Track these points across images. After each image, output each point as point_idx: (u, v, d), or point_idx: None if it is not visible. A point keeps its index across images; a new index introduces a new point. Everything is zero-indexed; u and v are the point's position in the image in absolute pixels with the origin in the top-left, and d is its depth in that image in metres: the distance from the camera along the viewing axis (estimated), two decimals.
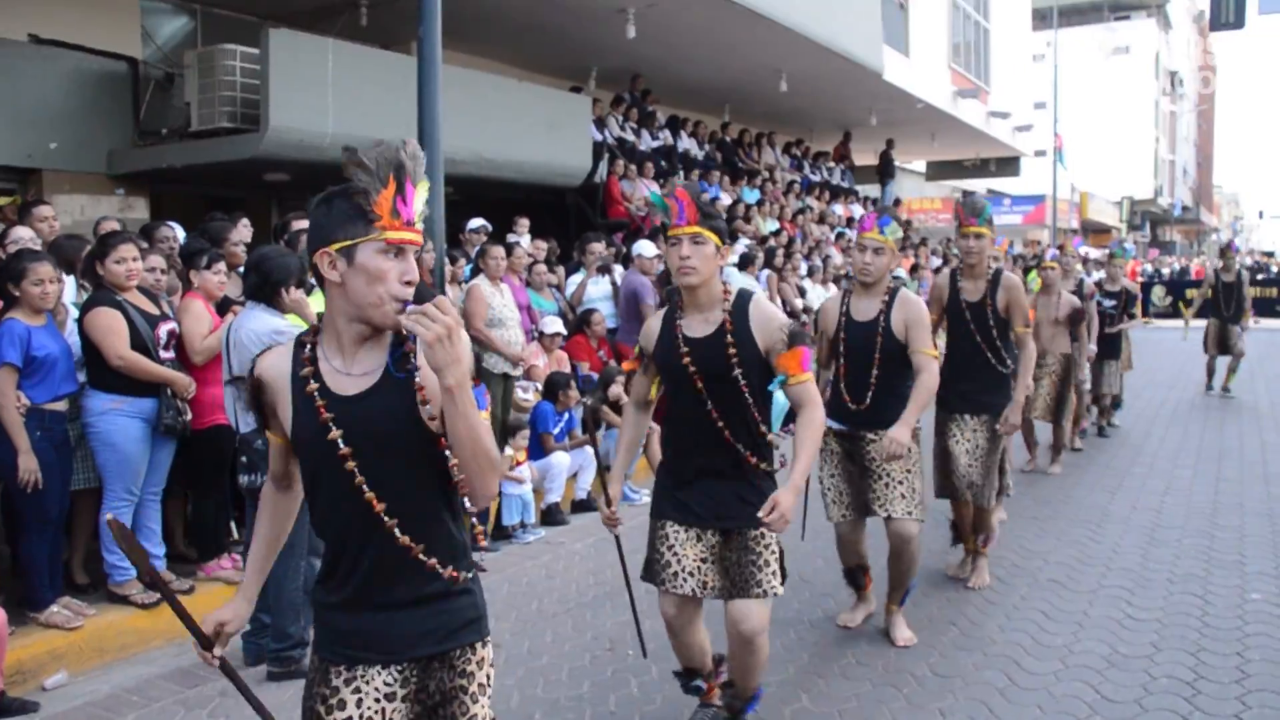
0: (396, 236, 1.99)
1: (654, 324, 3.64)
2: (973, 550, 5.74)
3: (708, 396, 3.43)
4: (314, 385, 2.08)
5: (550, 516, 7.17)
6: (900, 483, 4.56)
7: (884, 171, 21.55)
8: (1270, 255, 39.43)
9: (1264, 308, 16.17)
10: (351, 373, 2.07)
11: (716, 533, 3.49)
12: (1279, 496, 7.48)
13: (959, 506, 5.58)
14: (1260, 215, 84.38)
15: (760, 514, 3.22)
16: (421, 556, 2.08)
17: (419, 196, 2.03)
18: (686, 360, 3.45)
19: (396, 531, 2.06)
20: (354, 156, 1.98)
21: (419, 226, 2.05)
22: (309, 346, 2.12)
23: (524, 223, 10.68)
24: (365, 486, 2.05)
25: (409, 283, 2.00)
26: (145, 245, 5.50)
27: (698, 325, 3.48)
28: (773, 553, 3.44)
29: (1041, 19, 33.25)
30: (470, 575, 2.19)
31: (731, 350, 3.39)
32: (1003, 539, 5.81)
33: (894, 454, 4.38)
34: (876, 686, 4.26)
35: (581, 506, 7.50)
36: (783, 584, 3.51)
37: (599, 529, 6.81)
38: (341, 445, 2.04)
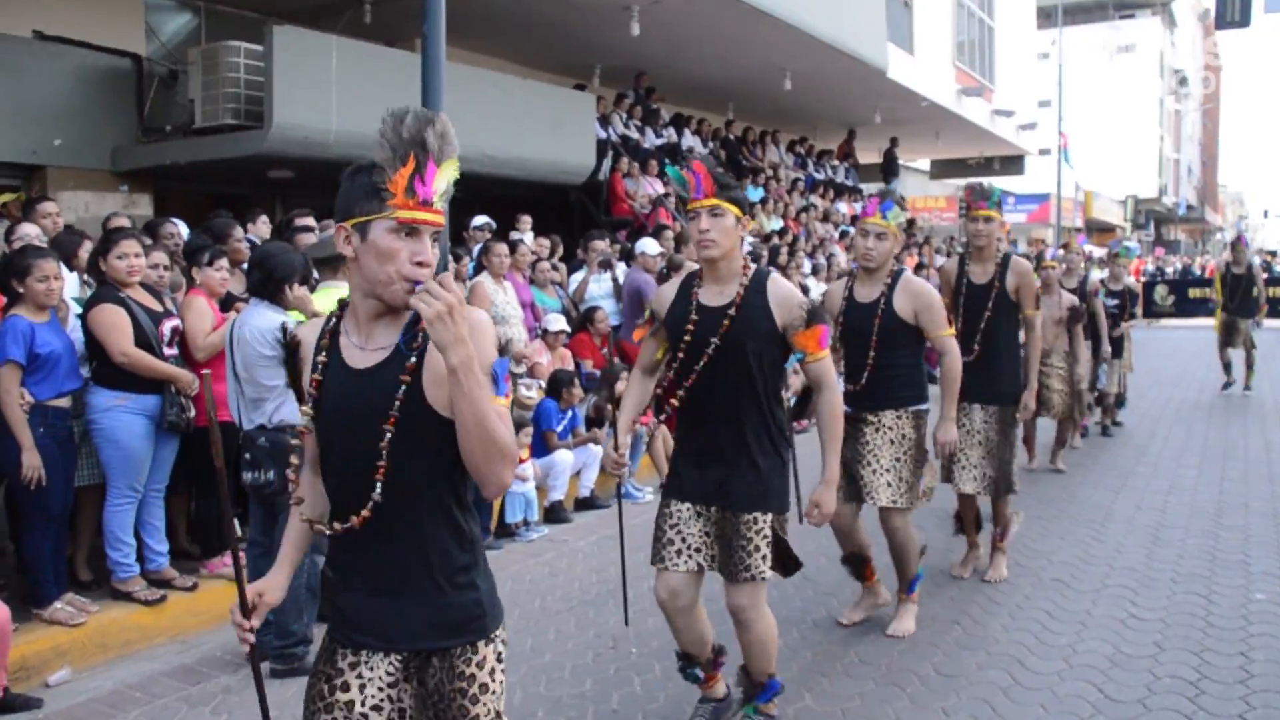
0: (408, 216, 1.95)
1: (668, 290, 3.64)
2: (975, 544, 5.77)
3: (714, 368, 3.42)
4: (323, 358, 2.10)
5: (553, 514, 7.16)
6: (889, 470, 4.56)
7: (888, 169, 21.56)
8: (1274, 254, 39.30)
9: (1269, 307, 16.08)
10: (366, 348, 2.07)
11: (715, 509, 3.50)
12: None
13: (964, 500, 5.59)
14: (1265, 214, 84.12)
15: (805, 517, 3.47)
16: (423, 544, 2.07)
17: (442, 176, 1.98)
18: (694, 327, 3.45)
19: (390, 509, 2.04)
20: (383, 126, 1.95)
21: (439, 207, 2.00)
22: (335, 320, 2.14)
23: (526, 220, 10.68)
24: (331, 472, 2.11)
25: (421, 263, 1.97)
26: (149, 241, 5.51)
27: (713, 295, 3.48)
28: (764, 538, 3.44)
29: (1046, 17, 33.20)
30: (477, 569, 2.14)
31: (738, 323, 3.39)
32: None
33: (947, 453, 4.85)
34: (880, 685, 4.26)
35: (585, 504, 7.50)
36: (788, 574, 3.56)
37: (602, 526, 6.83)
38: (306, 422, 2.11)
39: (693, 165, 3.40)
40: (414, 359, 2.02)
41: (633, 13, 11.98)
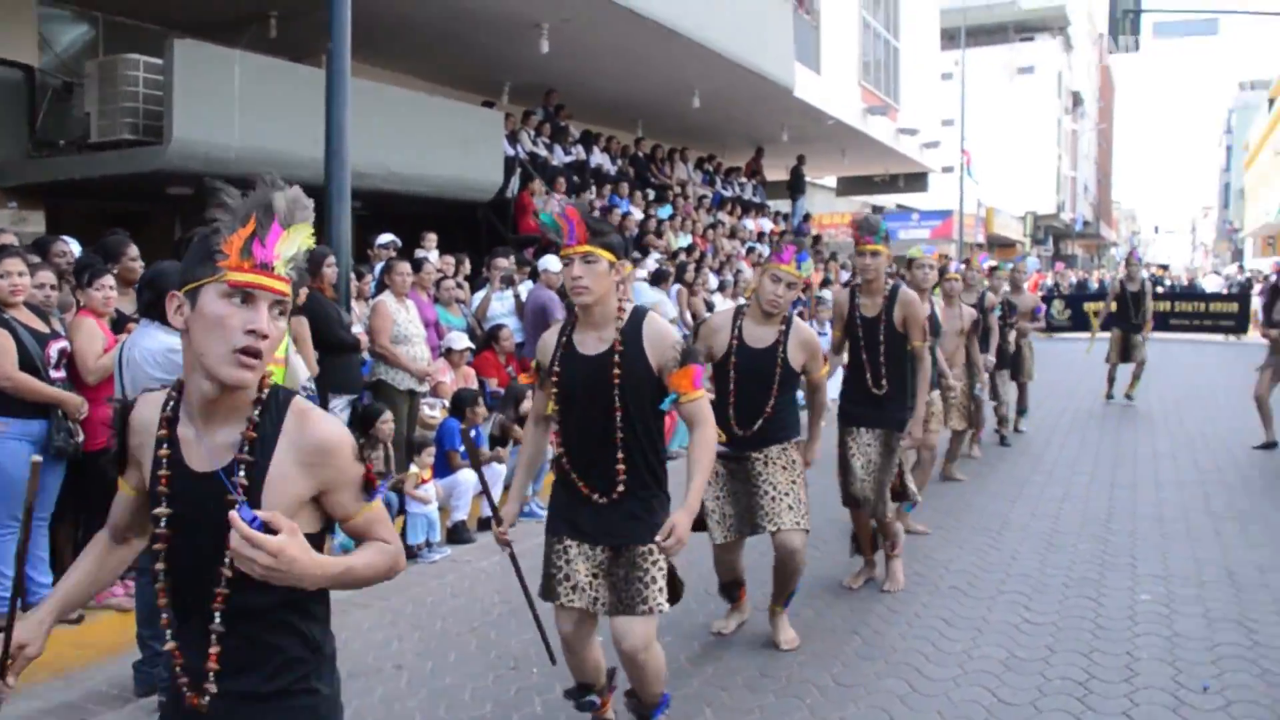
0: (240, 279, 1.78)
1: (549, 338, 3.62)
2: (871, 562, 5.85)
3: (597, 414, 3.41)
4: (165, 450, 1.90)
5: (456, 534, 7.09)
6: (786, 494, 4.63)
7: (795, 187, 21.87)
8: (1165, 268, 40.86)
9: (1158, 321, 16.71)
10: (202, 442, 1.88)
11: (605, 549, 3.48)
12: (1169, 501, 7.76)
13: (858, 517, 5.68)
14: (1156, 230, 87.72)
15: (658, 539, 3.31)
16: (261, 651, 1.91)
17: (290, 241, 1.84)
18: (575, 377, 3.45)
19: (220, 620, 1.88)
20: (219, 196, 1.83)
21: (283, 273, 1.83)
22: (172, 404, 1.93)
23: (431, 238, 10.60)
24: (168, 576, 1.90)
25: (253, 332, 1.79)
26: (36, 260, 5.34)
27: (591, 343, 3.46)
28: (660, 569, 3.43)
29: (950, 39, 34.12)
30: (319, 675, 1.99)
31: (617, 371, 3.38)
32: (906, 548, 5.92)
33: (808, 467, 4.87)
34: (780, 698, 4.30)
35: (488, 524, 7.41)
36: (675, 602, 3.53)
37: None
38: (163, 525, 1.89)
39: (566, 211, 3.38)
40: (245, 477, 1.85)
41: (542, 30, 12.01)
